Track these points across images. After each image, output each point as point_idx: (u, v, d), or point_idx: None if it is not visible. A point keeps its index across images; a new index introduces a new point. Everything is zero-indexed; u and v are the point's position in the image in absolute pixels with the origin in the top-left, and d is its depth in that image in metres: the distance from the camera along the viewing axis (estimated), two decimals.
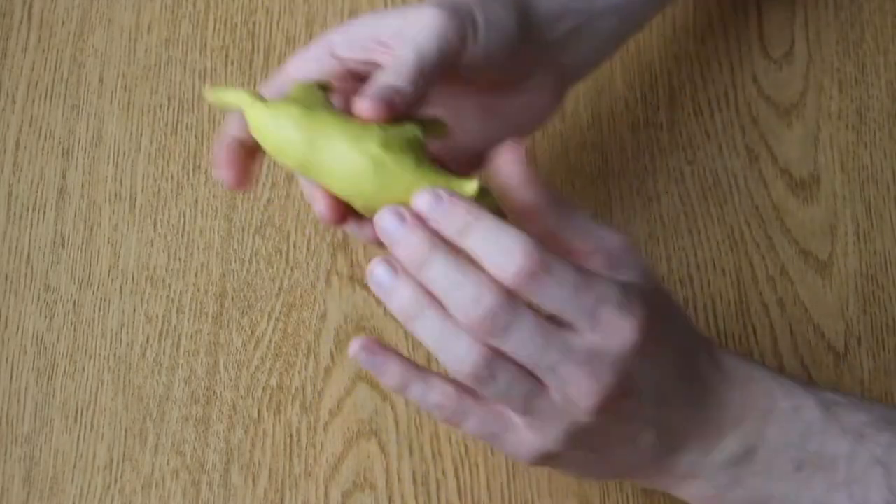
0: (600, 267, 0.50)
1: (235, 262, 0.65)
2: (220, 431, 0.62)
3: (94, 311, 0.64)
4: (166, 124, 0.68)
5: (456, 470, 0.60)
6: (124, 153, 0.68)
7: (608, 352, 0.48)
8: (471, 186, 0.49)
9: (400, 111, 0.50)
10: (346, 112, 0.52)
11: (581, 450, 0.51)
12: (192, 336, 0.64)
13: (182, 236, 0.66)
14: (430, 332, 0.48)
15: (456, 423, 0.51)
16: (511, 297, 0.47)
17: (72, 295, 0.65)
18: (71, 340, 0.64)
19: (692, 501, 0.54)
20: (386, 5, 0.71)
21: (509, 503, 0.60)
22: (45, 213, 0.67)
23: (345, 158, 0.50)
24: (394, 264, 0.49)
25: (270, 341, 0.63)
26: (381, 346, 0.51)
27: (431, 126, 0.53)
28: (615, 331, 0.48)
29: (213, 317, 0.64)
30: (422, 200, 0.48)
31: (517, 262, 0.47)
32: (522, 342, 0.48)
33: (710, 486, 0.52)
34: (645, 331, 0.48)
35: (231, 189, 0.55)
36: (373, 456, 0.61)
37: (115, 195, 0.67)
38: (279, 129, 0.50)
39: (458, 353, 0.48)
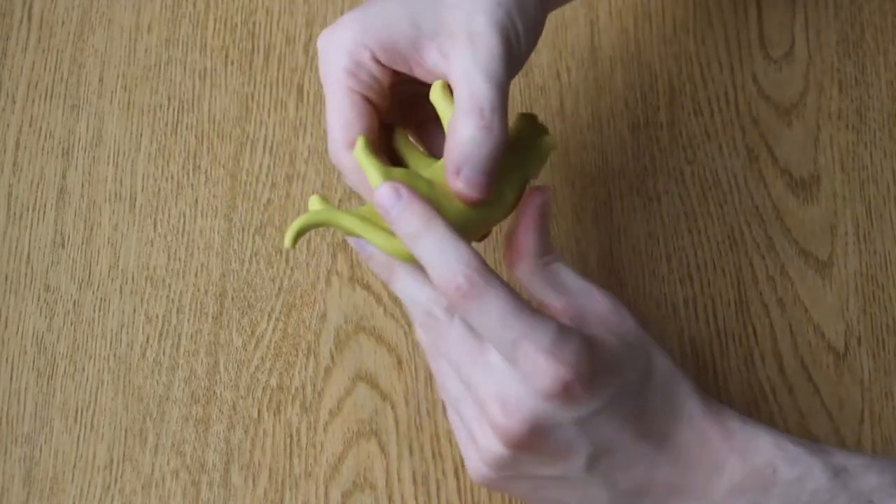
0: (568, 321, 0.51)
1: (235, 262, 0.65)
2: (220, 431, 0.62)
3: (94, 311, 0.64)
4: (166, 124, 0.68)
5: (456, 470, 0.60)
6: (124, 153, 0.68)
7: (521, 390, 0.48)
8: None
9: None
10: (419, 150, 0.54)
11: (518, 481, 0.50)
12: (192, 336, 0.64)
13: (182, 236, 0.66)
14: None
15: (433, 355, 0.52)
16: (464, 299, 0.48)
17: (72, 295, 0.65)
18: (71, 340, 0.64)
19: None
20: None
21: (509, 503, 0.60)
22: (45, 213, 0.67)
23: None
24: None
25: (270, 341, 0.63)
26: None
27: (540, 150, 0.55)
28: (534, 371, 0.47)
29: (213, 317, 0.64)
30: (381, 194, 0.49)
31: (454, 281, 0.47)
32: (453, 345, 0.49)
33: None
34: (572, 380, 0.47)
35: None
36: (373, 456, 0.61)
37: (115, 195, 0.67)
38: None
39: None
